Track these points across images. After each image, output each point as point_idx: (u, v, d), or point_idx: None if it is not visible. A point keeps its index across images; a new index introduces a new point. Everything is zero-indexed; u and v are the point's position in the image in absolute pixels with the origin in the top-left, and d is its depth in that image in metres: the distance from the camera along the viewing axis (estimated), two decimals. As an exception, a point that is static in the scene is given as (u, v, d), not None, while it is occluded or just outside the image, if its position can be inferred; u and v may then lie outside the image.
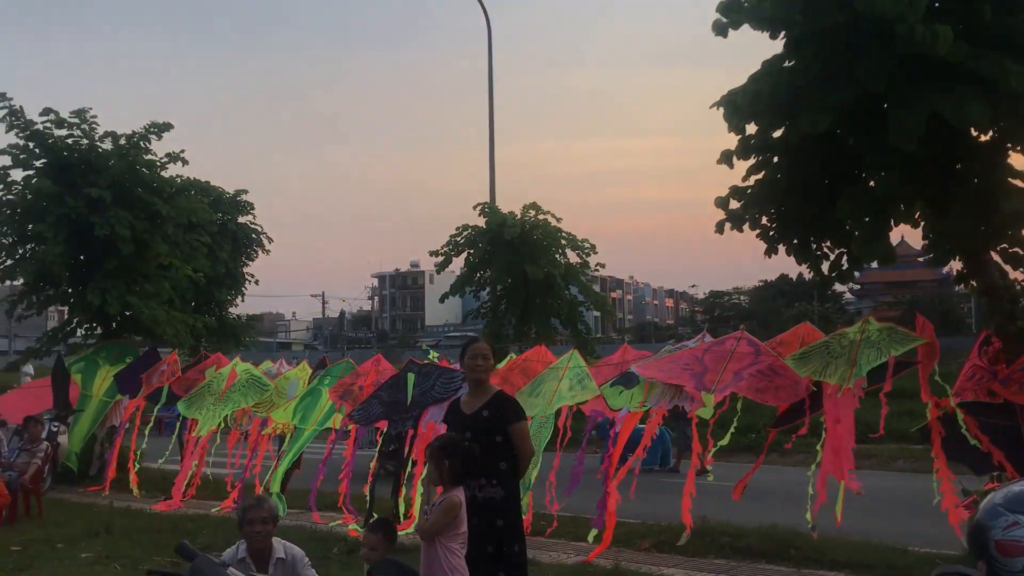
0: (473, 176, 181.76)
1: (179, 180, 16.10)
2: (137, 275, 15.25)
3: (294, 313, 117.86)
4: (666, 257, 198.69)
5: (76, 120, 14.90)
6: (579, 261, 21.50)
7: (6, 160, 14.78)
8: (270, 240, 27.20)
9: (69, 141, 14.85)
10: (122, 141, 15.30)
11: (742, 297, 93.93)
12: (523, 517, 6.58)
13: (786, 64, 7.63)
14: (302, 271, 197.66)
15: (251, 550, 5.51)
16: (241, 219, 26.72)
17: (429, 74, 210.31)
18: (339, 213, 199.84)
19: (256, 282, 27.37)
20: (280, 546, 5.61)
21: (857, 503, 8.55)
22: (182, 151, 15.72)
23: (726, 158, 8.09)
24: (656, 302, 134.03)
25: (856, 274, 8.81)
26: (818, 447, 8.13)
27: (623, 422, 9.57)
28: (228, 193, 26.70)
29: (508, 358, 11.29)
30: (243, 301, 27.68)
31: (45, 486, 13.41)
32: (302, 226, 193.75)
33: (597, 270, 22.65)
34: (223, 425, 12.86)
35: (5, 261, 14.87)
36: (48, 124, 14.69)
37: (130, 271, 15.05)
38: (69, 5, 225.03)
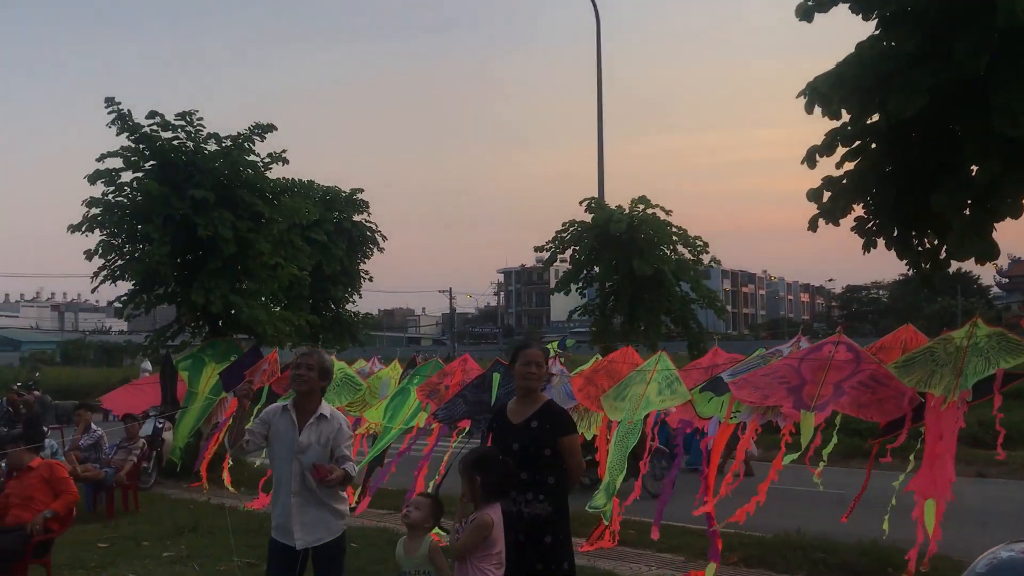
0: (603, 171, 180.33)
1: (282, 181, 16.20)
2: (240, 274, 15.47)
3: (423, 309, 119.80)
4: (802, 250, 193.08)
5: (182, 123, 15.20)
6: (691, 257, 20.78)
7: (116, 162, 15.18)
8: (384, 238, 27.51)
9: (175, 143, 15.16)
10: (227, 143, 15.54)
11: (881, 292, 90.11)
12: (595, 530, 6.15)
13: (877, 46, 6.93)
14: (431, 267, 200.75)
15: (297, 399, 5.55)
16: (356, 217, 27.07)
17: (557, 66, 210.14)
18: (467, 209, 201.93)
19: (371, 279, 27.74)
20: (329, 408, 5.59)
21: (973, 516, 7.77)
22: (283, 151, 15.89)
23: (809, 157, 7.45)
24: (790, 297, 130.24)
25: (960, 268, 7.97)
26: (911, 456, 7.41)
27: (715, 433, 8.98)
28: (344, 192, 27.09)
29: (593, 360, 10.85)
30: (360, 298, 28.14)
31: (150, 482, 13.77)
32: (432, 222, 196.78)
33: (712, 265, 21.85)
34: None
35: (116, 261, 15.25)
36: (155, 127, 15.02)
37: (233, 271, 15.27)
38: (183, 9, 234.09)
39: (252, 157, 15.69)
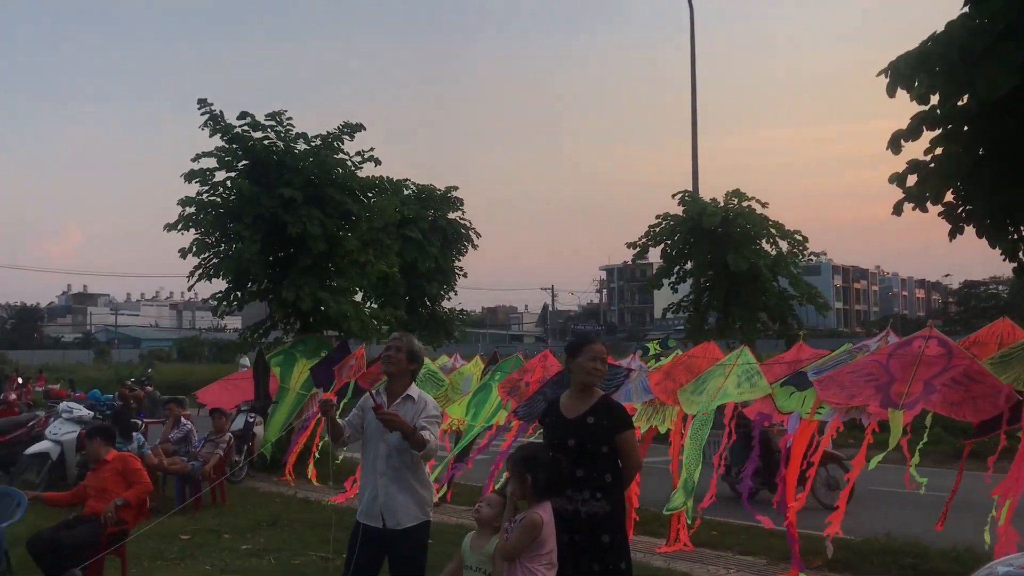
0: (703, 166, 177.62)
1: (371, 179, 16.32)
2: (330, 271, 15.65)
3: (526, 306, 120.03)
4: (917, 245, 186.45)
5: (272, 123, 15.46)
6: (791, 251, 20.14)
7: (211, 162, 15.54)
8: (478, 235, 27.52)
9: (265, 143, 15.43)
10: (316, 142, 15.76)
11: (1000, 287, 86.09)
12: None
13: (967, 24, 6.49)
14: (534, 265, 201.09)
15: (388, 382, 5.73)
16: (451, 215, 27.17)
17: (648, 59, 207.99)
18: (570, 206, 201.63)
19: (464, 275, 27.78)
20: (417, 391, 5.67)
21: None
22: (371, 149, 16.02)
23: (893, 142, 7.03)
24: (905, 293, 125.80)
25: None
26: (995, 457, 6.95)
27: (795, 430, 8.60)
28: (439, 190, 27.24)
29: (673, 354, 10.56)
30: (456, 295, 28.25)
31: (241, 475, 14.03)
32: (535, 220, 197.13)
33: (811, 260, 21.18)
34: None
35: (211, 260, 15.60)
36: (245, 128, 15.31)
37: (323, 268, 15.46)
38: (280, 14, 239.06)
39: (341, 156, 15.87)
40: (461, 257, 27.58)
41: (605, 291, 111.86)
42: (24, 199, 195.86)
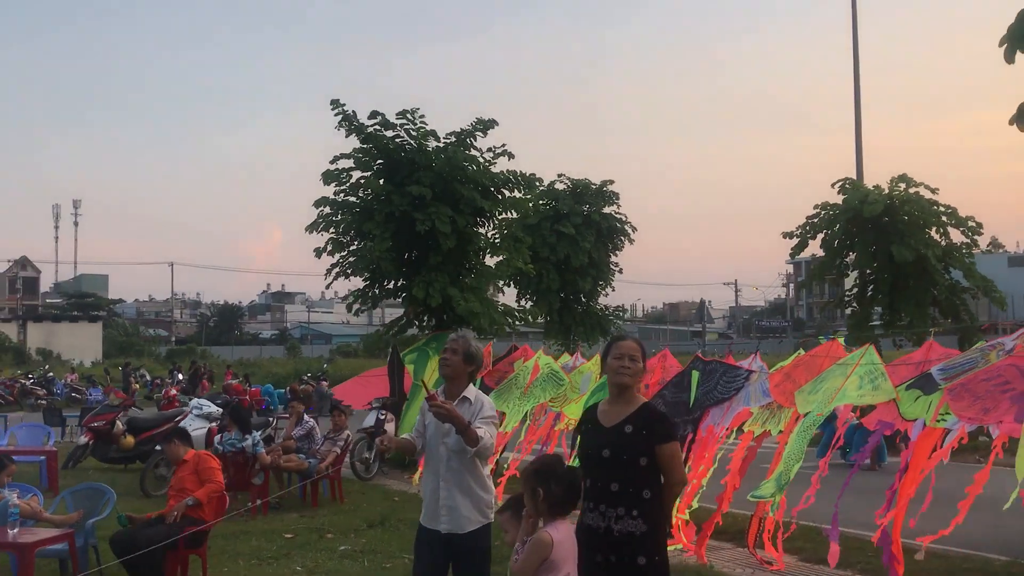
0: (895, 157, 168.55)
1: (504, 174, 16.05)
2: (461, 268, 15.54)
3: (710, 302, 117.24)
4: None
5: (403, 121, 15.47)
6: (965, 240, 18.43)
7: (348, 163, 15.71)
8: (633, 229, 26.87)
9: (397, 141, 15.46)
10: (450, 139, 15.67)
11: None
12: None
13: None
14: (718, 260, 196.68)
15: (446, 384, 5.61)
16: (607, 209, 26.64)
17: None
18: (756, 199, 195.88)
19: (620, 270, 27.23)
20: (474, 391, 5.57)
21: None
22: (503, 145, 15.81)
23: (1020, 116, 6.09)
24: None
25: None
26: None
27: (917, 438, 7.64)
28: (594, 185, 26.77)
29: (795, 354, 9.72)
30: (613, 291, 27.72)
31: (372, 472, 14.10)
32: (720, 214, 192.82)
33: (990, 250, 19.35)
34: (526, 420, 12.68)
35: (349, 259, 15.79)
36: (377, 127, 15.39)
37: (454, 264, 15.35)
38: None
39: (472, 152, 15.72)
40: (617, 252, 27.08)
41: (792, 285, 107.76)
42: (230, 201, 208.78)
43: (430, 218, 14.66)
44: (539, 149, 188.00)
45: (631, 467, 4.64)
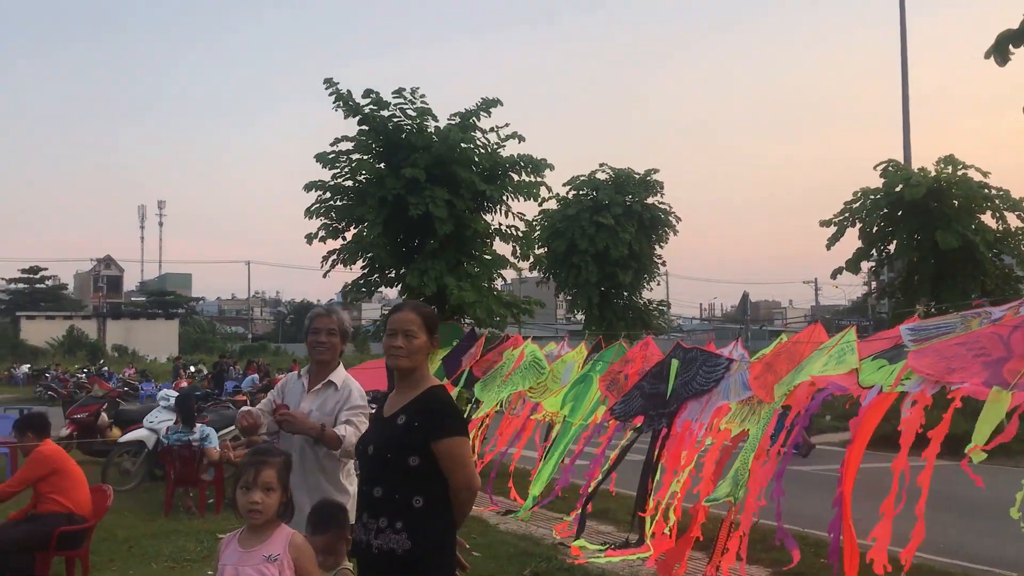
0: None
1: (511, 158, 15.13)
2: (460, 256, 14.70)
3: (790, 301, 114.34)
4: None
5: (400, 100, 14.71)
6: (1020, 225, 16.88)
7: (348, 145, 15.02)
8: (678, 219, 25.59)
9: (395, 121, 14.72)
10: (454, 120, 14.87)
11: None
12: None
13: None
14: (796, 258, 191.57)
15: (314, 365, 5.00)
16: (650, 199, 25.46)
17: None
18: (838, 195, 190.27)
19: (663, 263, 26.02)
20: (342, 374, 4.96)
21: None
22: (506, 125, 14.95)
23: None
24: None
25: None
26: None
27: (868, 403, 6.53)
28: (637, 174, 25.62)
29: (777, 341, 8.63)
30: (658, 284, 26.58)
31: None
32: (800, 210, 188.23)
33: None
34: (499, 408, 11.86)
35: (348, 245, 15.10)
36: (372, 106, 14.66)
37: (453, 252, 14.54)
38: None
39: (475, 134, 14.87)
40: (662, 245, 25.86)
41: (874, 283, 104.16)
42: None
43: (424, 202, 13.87)
44: (592, 141, 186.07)
45: (398, 468, 3.70)
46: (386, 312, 15.91)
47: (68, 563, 7.17)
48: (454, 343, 14.05)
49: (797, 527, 8.61)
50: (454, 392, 13.31)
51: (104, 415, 13.73)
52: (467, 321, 15.07)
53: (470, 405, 12.94)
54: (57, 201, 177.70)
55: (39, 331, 71.13)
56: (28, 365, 51.22)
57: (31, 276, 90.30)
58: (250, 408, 5.03)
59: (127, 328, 78.88)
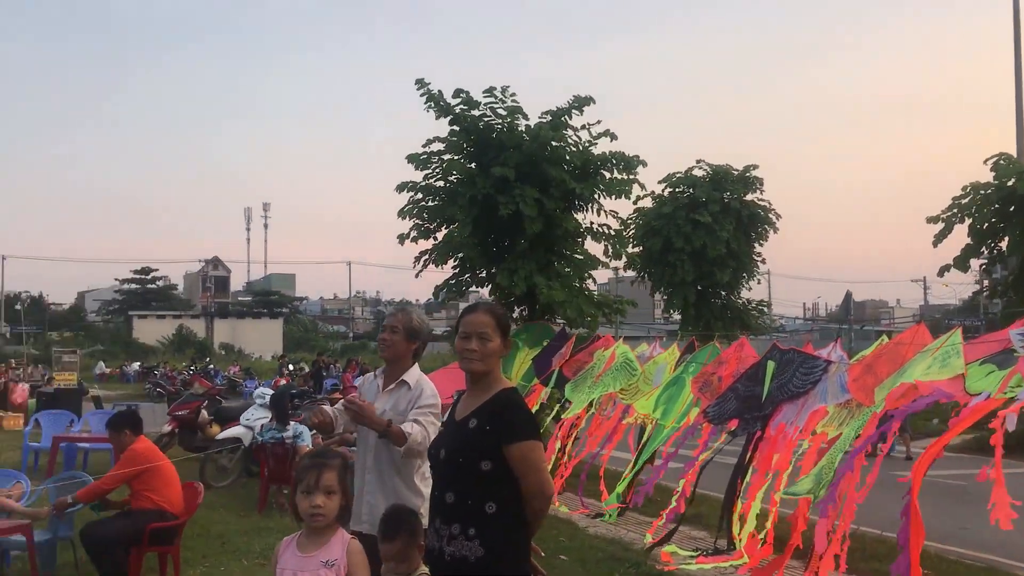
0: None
1: (603, 155, 14.91)
2: (551, 255, 14.59)
3: (898, 300, 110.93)
4: None
5: (491, 99, 14.66)
6: None
7: (439, 144, 15.05)
8: (778, 216, 24.91)
9: (486, 120, 14.69)
10: (545, 118, 14.76)
11: None
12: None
13: None
14: (904, 255, 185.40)
15: (386, 364, 5.06)
16: (748, 196, 24.87)
17: None
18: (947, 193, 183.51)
19: (763, 261, 25.37)
20: (416, 374, 4.97)
21: None
22: (598, 122, 14.71)
23: None
24: None
25: None
26: None
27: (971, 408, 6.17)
28: (735, 170, 25.07)
29: (878, 342, 8.27)
30: (758, 283, 25.95)
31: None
32: (906, 209, 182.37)
33: None
34: (590, 409, 11.72)
35: (440, 245, 15.14)
36: (463, 106, 14.65)
37: (543, 251, 14.43)
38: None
39: (567, 132, 14.73)
40: (762, 243, 25.21)
41: (986, 282, 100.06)
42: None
43: (514, 201, 13.79)
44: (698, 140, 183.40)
45: (470, 473, 3.62)
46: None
47: (160, 559, 7.35)
48: (544, 343, 13.99)
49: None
50: (544, 392, 13.25)
51: (204, 412, 14.07)
52: (558, 321, 14.96)
53: (559, 405, 12.85)
54: (168, 204, 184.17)
55: (150, 330, 73.88)
56: (139, 363, 53.24)
57: (143, 277, 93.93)
58: (323, 407, 5.04)
59: (233, 327, 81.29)
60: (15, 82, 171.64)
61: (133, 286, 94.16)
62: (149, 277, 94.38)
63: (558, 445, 11.87)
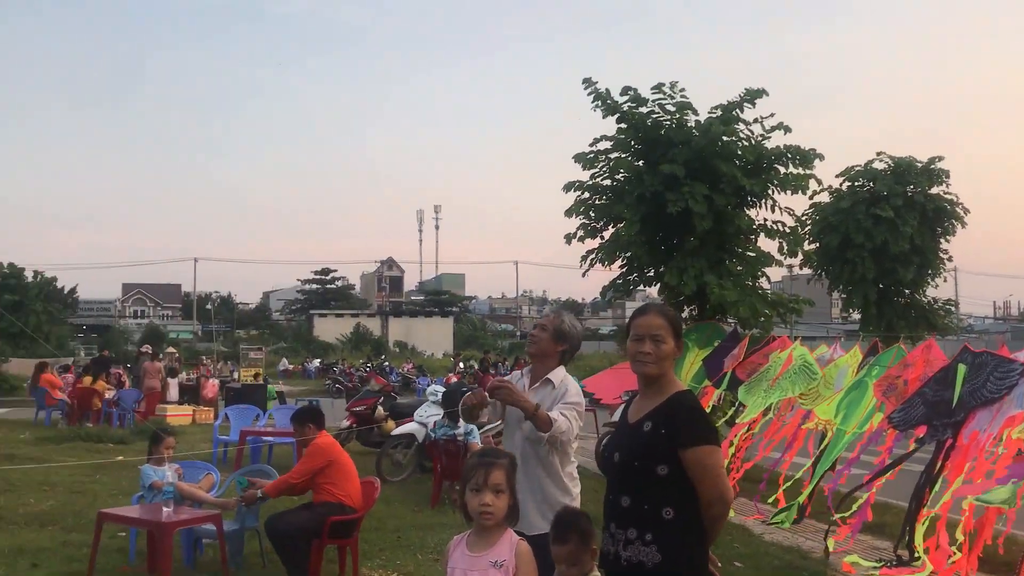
0: None
1: (776, 150, 14.43)
2: (721, 252, 14.25)
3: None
4: None
5: (659, 96, 14.46)
6: None
7: (606, 143, 14.97)
8: (966, 211, 23.50)
9: (654, 117, 14.50)
10: (715, 112, 14.44)
11: None
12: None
13: None
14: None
15: (533, 364, 5.07)
16: (934, 189, 23.58)
17: None
18: None
19: (949, 258, 24.00)
20: (561, 373, 4.95)
21: None
22: (771, 115, 14.22)
23: None
24: None
25: None
26: None
27: None
28: (919, 163, 23.82)
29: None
30: (944, 281, 24.60)
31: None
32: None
33: None
34: (767, 415, 11.36)
35: (606, 244, 15.06)
36: (630, 104, 14.51)
37: (712, 249, 14.11)
38: None
39: (738, 126, 14.35)
40: (948, 238, 23.85)
41: None
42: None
43: (683, 198, 13.54)
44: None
45: (645, 477, 3.53)
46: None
47: (340, 551, 7.57)
48: (715, 344, 13.67)
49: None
50: (715, 395, 12.94)
51: (380, 408, 14.50)
52: (729, 321, 14.61)
53: (732, 408, 12.54)
54: (346, 208, 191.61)
55: (329, 328, 76.99)
56: (319, 360, 55.58)
57: (322, 277, 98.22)
58: (482, 390, 5.07)
59: (407, 325, 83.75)
60: (215, 100, 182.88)
61: (314, 286, 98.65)
62: (328, 278, 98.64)
63: (732, 450, 11.55)
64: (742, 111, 14.42)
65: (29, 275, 35.08)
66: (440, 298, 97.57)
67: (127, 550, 7.94)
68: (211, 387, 25.27)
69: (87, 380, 20.94)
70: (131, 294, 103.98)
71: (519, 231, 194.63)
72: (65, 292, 53.76)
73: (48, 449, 15.31)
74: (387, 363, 43.27)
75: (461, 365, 37.79)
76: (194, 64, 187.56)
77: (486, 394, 4.92)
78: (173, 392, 22.99)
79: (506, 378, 5.05)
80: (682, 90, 14.60)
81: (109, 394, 21.09)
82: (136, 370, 25.93)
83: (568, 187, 14.78)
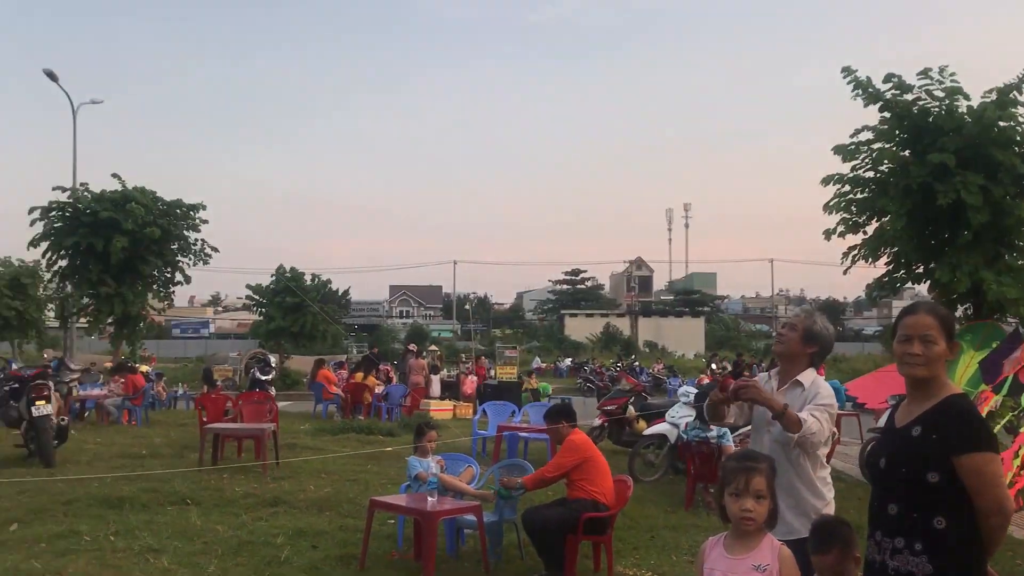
0: None
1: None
2: (998, 246, 13.20)
3: None
4: None
5: (926, 81, 13.61)
6: None
7: (867, 133, 14.29)
8: None
9: (920, 103, 13.66)
10: (990, 96, 13.42)
11: None
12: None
13: None
14: None
15: (781, 364, 4.93)
16: None
17: None
18: None
19: None
20: (811, 375, 4.77)
21: None
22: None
23: None
24: None
25: None
26: None
27: None
28: None
29: None
30: None
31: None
32: None
33: None
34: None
35: (870, 240, 14.36)
36: (894, 91, 13.75)
37: (988, 243, 13.11)
38: None
39: (1018, 109, 13.27)
40: None
41: None
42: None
43: (954, 189, 12.68)
44: None
45: (915, 484, 3.36)
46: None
47: (595, 547, 7.70)
48: (993, 345, 12.68)
49: None
50: (995, 400, 11.98)
51: (631, 408, 14.55)
52: (1009, 321, 13.51)
53: (1012, 414, 11.57)
54: (597, 209, 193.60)
55: (579, 327, 78.09)
56: (570, 359, 56.48)
57: (573, 278, 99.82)
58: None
59: (656, 325, 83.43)
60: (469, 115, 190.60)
61: (564, 287, 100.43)
62: (579, 278, 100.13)
63: (1016, 461, 10.67)
64: (1020, 93, 13.33)
65: (308, 278, 38.07)
66: (691, 297, 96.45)
67: (395, 536, 8.44)
68: (469, 384, 26.34)
69: (359, 376, 22.52)
70: (397, 295, 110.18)
71: (774, 227, 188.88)
72: (339, 294, 57.67)
73: (325, 440, 16.50)
74: (637, 363, 43.33)
75: (713, 367, 37.20)
76: (451, 78, 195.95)
77: (719, 393, 4.85)
78: (435, 388, 24.19)
79: (753, 379, 4.95)
80: (952, 74, 13.69)
81: (378, 389, 22.49)
82: (402, 367, 27.51)
83: (827, 180, 14.23)
